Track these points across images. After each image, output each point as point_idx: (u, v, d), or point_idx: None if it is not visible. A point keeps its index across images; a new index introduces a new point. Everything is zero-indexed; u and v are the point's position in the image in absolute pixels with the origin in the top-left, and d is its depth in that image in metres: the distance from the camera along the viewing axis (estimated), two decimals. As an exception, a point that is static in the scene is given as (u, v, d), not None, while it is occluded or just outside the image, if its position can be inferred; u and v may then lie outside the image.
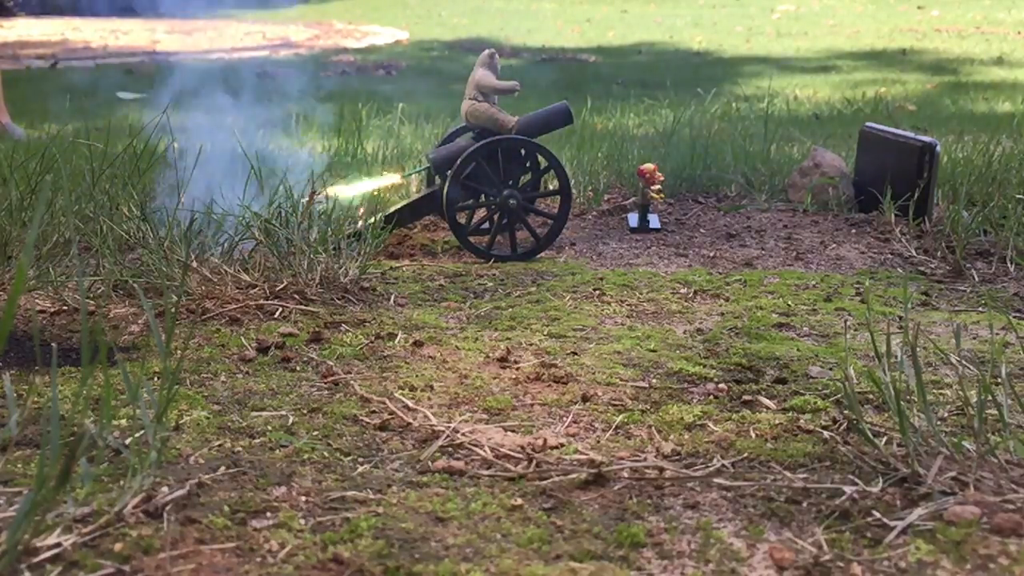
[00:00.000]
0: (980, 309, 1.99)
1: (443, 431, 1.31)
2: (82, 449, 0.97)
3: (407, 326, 1.81)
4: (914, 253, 2.47)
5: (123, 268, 1.96)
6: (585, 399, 1.45)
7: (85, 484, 1.05)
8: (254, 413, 1.36)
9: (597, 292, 2.08)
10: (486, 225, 2.58)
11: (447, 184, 2.40)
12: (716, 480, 1.17)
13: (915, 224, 2.67)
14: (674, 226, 2.81)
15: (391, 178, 2.73)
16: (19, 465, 1.17)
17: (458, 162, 2.39)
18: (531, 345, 1.71)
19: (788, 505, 1.11)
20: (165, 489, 1.10)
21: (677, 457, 1.25)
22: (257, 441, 1.27)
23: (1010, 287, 2.18)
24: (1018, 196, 2.61)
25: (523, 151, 2.47)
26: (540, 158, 2.49)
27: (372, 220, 2.29)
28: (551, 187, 2.62)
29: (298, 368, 1.57)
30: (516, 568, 0.98)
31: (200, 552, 0.99)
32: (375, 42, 11.03)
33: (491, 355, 1.64)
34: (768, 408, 1.42)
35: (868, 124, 3.07)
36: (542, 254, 2.48)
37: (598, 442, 1.30)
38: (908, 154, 2.74)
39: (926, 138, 2.76)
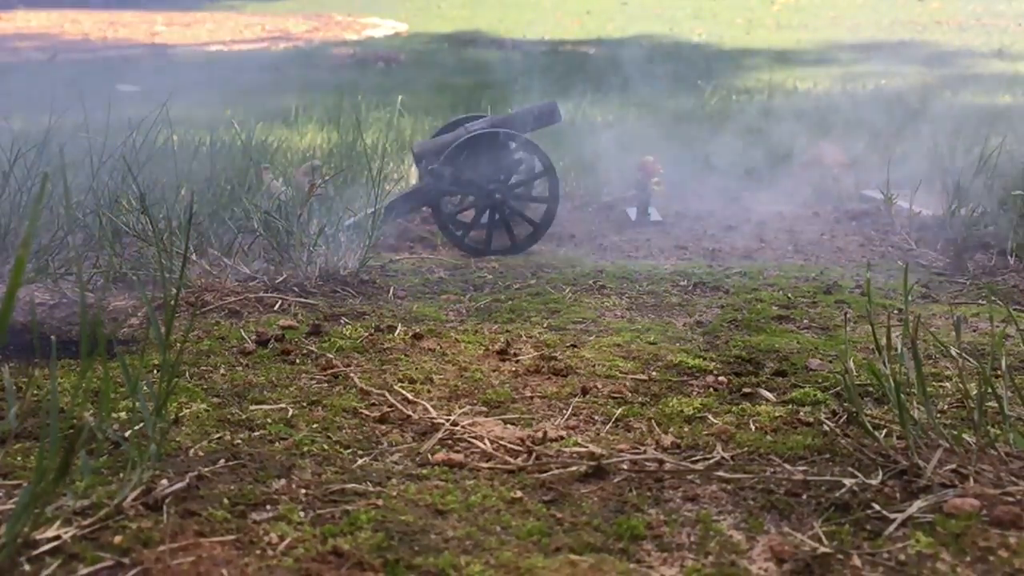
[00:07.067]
0: (980, 302, 1.99)
1: (443, 424, 1.31)
2: (81, 442, 0.97)
3: (406, 319, 1.80)
4: (914, 246, 2.47)
5: (122, 260, 1.95)
6: (585, 392, 1.45)
7: (84, 477, 1.05)
8: (254, 406, 1.36)
9: (597, 285, 2.08)
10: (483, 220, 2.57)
11: (430, 177, 2.40)
12: (716, 473, 1.17)
13: (915, 216, 2.67)
14: (674, 218, 2.81)
15: None
16: (19, 458, 1.17)
17: (442, 157, 2.40)
18: (531, 338, 1.70)
19: (788, 497, 1.11)
20: (165, 482, 1.10)
21: (677, 450, 1.25)
22: (257, 434, 1.27)
23: (1010, 279, 2.18)
24: (1017, 191, 2.61)
25: (512, 144, 2.47)
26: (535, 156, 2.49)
27: (371, 212, 2.29)
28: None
29: (297, 361, 1.57)
30: (516, 560, 0.98)
31: (200, 544, 0.99)
32: (374, 34, 11.01)
33: (491, 348, 1.64)
34: (768, 401, 1.42)
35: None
36: (541, 248, 2.48)
37: (598, 435, 1.30)
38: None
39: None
